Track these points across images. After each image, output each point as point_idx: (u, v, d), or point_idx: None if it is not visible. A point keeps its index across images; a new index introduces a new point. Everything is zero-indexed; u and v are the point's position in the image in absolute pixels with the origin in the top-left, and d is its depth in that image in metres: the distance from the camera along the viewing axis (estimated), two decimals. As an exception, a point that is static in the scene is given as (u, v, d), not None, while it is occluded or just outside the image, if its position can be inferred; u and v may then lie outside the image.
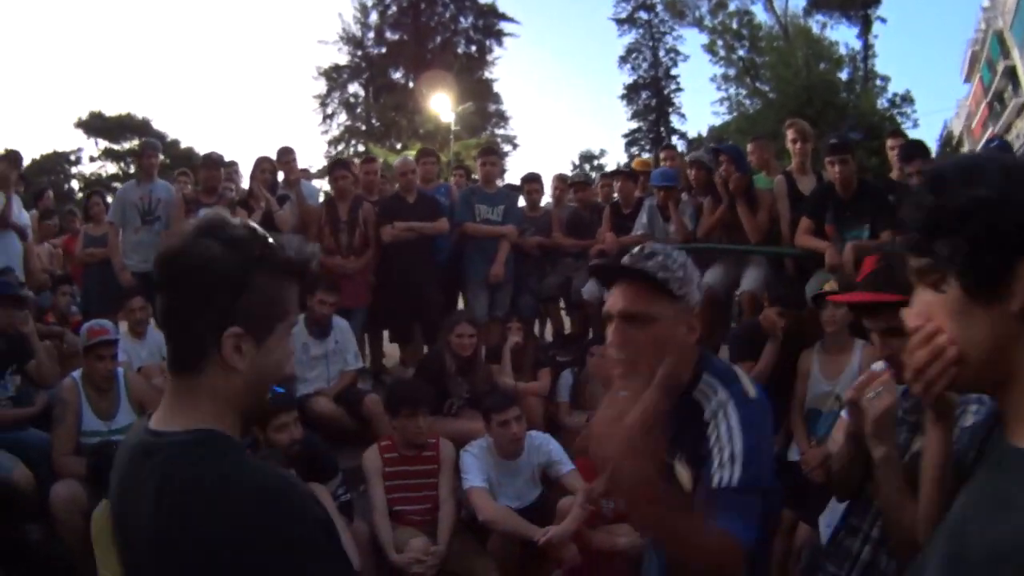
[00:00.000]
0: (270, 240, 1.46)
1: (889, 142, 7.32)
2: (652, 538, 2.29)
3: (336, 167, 7.49)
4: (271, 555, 1.28)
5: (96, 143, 41.41)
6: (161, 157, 8.01)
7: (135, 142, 39.13)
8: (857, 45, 40.37)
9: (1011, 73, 34.68)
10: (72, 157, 41.62)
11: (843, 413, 3.78)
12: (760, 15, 42.75)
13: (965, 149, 37.66)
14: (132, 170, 37.86)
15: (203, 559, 1.28)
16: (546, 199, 8.44)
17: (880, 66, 41.36)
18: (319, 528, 1.35)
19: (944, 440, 1.69)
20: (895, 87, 39.41)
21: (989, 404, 1.69)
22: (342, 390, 6.03)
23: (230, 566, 1.27)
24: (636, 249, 2.17)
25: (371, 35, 45.00)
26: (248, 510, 1.29)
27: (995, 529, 1.05)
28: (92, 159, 41.71)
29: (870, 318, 2.27)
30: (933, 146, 34.73)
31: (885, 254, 2.36)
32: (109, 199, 8.56)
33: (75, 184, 39.81)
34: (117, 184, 34.22)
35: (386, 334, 7.87)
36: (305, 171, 9.79)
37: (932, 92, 60.29)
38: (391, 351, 8.06)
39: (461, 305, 7.82)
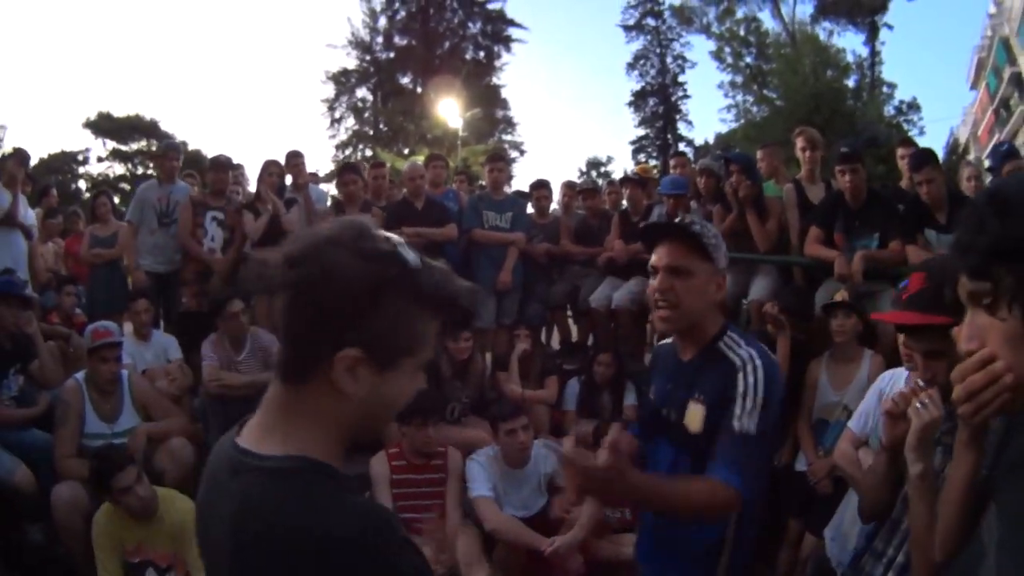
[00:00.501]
0: (414, 261, 1.27)
1: (900, 151, 7.30)
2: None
3: (346, 171, 7.47)
4: None
5: (104, 144, 41.58)
6: (181, 159, 8.04)
7: (143, 143, 39.47)
8: (864, 52, 40.58)
9: (1017, 79, 34.85)
10: (80, 157, 41.78)
11: (849, 424, 3.77)
12: (767, 22, 43.07)
13: (971, 156, 37.78)
14: (140, 171, 38.21)
15: None
16: (554, 206, 8.44)
17: (887, 73, 41.60)
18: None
19: (975, 463, 1.66)
20: (901, 94, 39.57)
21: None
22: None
23: None
24: (679, 218, 2.75)
25: (380, 40, 45.31)
26: (329, 562, 1.14)
27: None
28: (100, 159, 41.90)
29: (914, 339, 2.27)
30: (940, 153, 34.72)
31: (932, 272, 2.32)
32: (116, 200, 8.56)
33: (82, 184, 39.81)
34: (124, 185, 34.37)
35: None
36: (313, 175, 9.79)
37: (938, 99, 60.63)
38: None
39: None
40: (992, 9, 37.32)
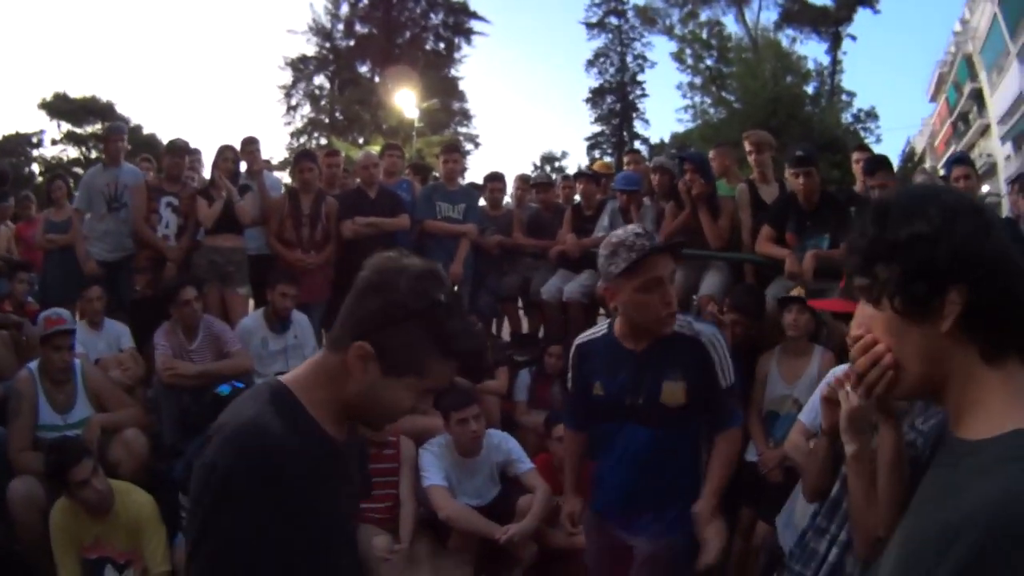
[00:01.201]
0: (442, 307, 1.63)
1: (855, 155, 7.39)
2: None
3: (302, 158, 7.37)
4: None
5: (59, 126, 40.61)
6: (126, 140, 7.82)
7: (98, 126, 38.21)
8: (826, 60, 41.00)
9: (977, 95, 36.13)
10: (34, 139, 40.80)
11: (800, 416, 3.85)
12: (731, 26, 43.28)
13: (927, 164, 38.66)
14: (94, 155, 37.37)
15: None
16: (508, 200, 8.46)
17: (847, 82, 42.25)
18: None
19: (893, 438, 1.87)
20: (860, 103, 40.17)
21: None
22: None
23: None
24: (641, 230, 2.99)
25: (340, 27, 45.00)
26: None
27: (945, 512, 1.18)
28: (54, 142, 40.91)
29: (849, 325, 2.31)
30: (895, 161, 35.50)
31: None
32: (72, 184, 8.36)
33: (35, 168, 39.02)
34: (78, 169, 33.67)
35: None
36: (267, 162, 9.69)
37: (897, 110, 61.63)
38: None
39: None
40: (958, 27, 38.39)
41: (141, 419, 5.42)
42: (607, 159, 29.83)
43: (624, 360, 3.09)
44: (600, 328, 3.31)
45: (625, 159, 8.37)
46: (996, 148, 34.67)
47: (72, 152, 40.49)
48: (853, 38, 41.84)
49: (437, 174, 8.46)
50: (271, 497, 1.50)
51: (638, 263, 2.87)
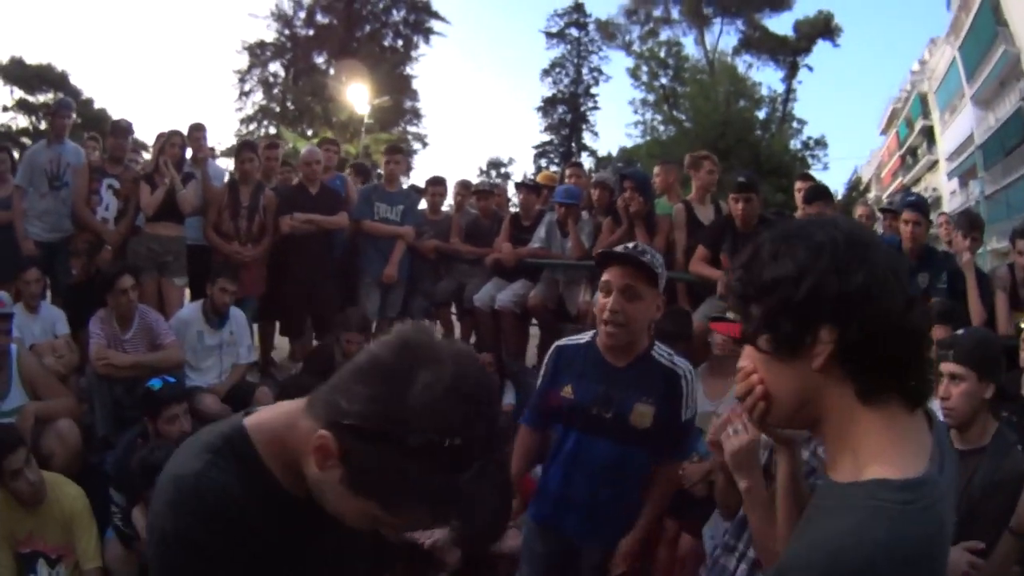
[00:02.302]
0: (459, 454, 1.23)
1: (798, 184, 7.62)
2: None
3: (244, 149, 7.25)
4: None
5: (12, 92, 39.52)
6: (73, 117, 7.67)
7: (51, 96, 37.10)
8: (780, 88, 41.54)
9: (928, 132, 37.87)
10: (-15, 105, 39.76)
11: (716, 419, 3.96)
12: (690, 47, 43.62)
13: (872, 195, 39.63)
14: (43, 126, 36.22)
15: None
16: (450, 205, 8.50)
17: (799, 110, 43.02)
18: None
19: (787, 464, 1.87)
20: (811, 131, 40.76)
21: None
22: (232, 385, 5.95)
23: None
24: (632, 245, 3.11)
25: (302, 15, 44.43)
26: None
27: (792, 547, 1.25)
28: (5, 109, 39.78)
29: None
30: (841, 188, 36.45)
31: None
32: (17, 156, 8.11)
33: (-16, 138, 37.95)
34: (26, 140, 32.84)
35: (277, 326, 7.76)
36: (212, 150, 9.59)
37: (847, 140, 62.74)
38: (280, 343, 7.94)
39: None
40: (916, 67, 39.73)
41: (75, 409, 5.30)
42: (553, 169, 29.99)
43: (603, 372, 3.17)
44: (584, 336, 3.36)
45: (566, 172, 8.42)
46: (942, 183, 36.46)
47: (22, 121, 39.46)
48: (810, 68, 42.46)
49: (381, 172, 8.44)
50: (215, 555, 1.37)
51: (600, 266, 3.08)
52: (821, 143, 39.63)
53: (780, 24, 43.73)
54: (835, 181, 48.62)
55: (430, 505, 1.26)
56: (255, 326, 7.05)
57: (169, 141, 7.15)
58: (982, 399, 3.08)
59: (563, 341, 3.44)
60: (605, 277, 3.03)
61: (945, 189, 36.32)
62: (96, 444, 5.21)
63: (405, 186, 8.32)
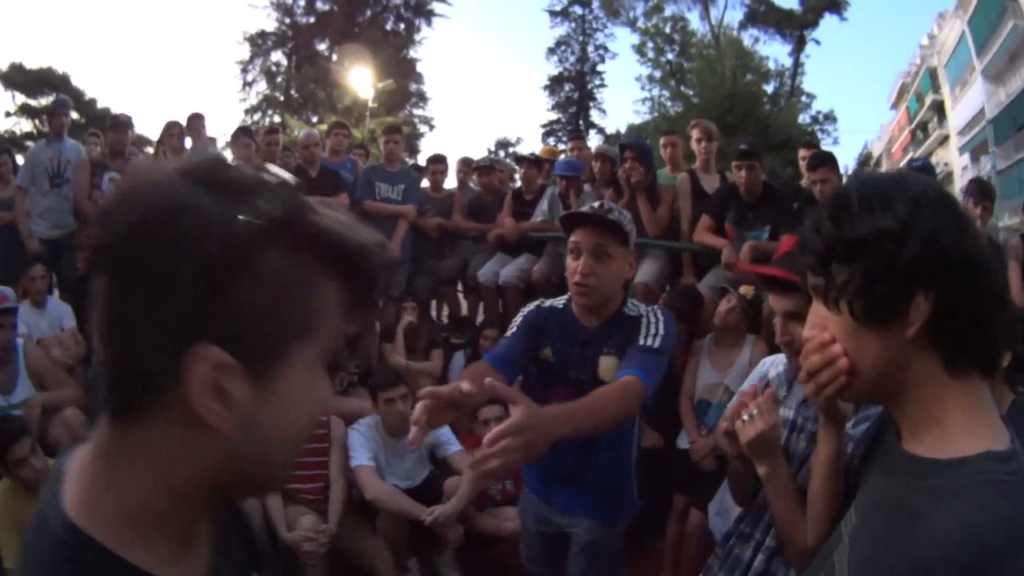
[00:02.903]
0: (295, 195, 0.85)
1: (801, 152, 7.51)
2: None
3: (240, 135, 7.38)
4: None
5: (13, 97, 39.75)
6: (75, 116, 7.75)
7: (53, 99, 37.41)
8: (788, 62, 41.25)
9: (939, 107, 37.62)
10: (-12, 111, 39.94)
11: (729, 406, 3.90)
12: (695, 22, 43.32)
13: (883, 169, 39.36)
14: (47, 129, 36.14)
15: None
16: (452, 182, 8.47)
17: (808, 85, 42.57)
18: None
19: (833, 444, 1.74)
20: (820, 106, 40.48)
21: (873, 415, 1.76)
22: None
23: None
24: (598, 204, 3.03)
25: (301, 3, 44.28)
26: None
27: (910, 538, 1.10)
28: (8, 114, 39.95)
29: (778, 297, 2.24)
30: (851, 163, 36.29)
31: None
32: (20, 159, 8.24)
33: (-11, 141, 38.11)
34: (30, 143, 33.03)
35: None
36: (212, 139, 9.63)
37: (857, 115, 62.33)
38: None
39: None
40: (925, 40, 39.40)
41: (81, 399, 5.36)
42: (561, 146, 29.89)
43: (576, 333, 3.02)
44: (560, 300, 3.19)
45: (568, 145, 8.38)
46: (954, 158, 36.07)
47: (26, 126, 39.64)
48: (817, 42, 42.12)
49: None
50: None
51: (568, 229, 2.96)
52: (830, 117, 39.52)
53: (786, -2, 43.23)
54: (845, 156, 48.63)
55: (322, 263, 0.83)
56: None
57: (168, 132, 7.21)
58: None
59: (543, 301, 3.26)
60: (573, 239, 2.93)
61: (957, 164, 36.02)
62: (238, 513, 5.18)
63: (404, 166, 8.26)
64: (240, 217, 0.76)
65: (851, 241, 1.21)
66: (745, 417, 2.11)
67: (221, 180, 0.79)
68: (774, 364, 2.63)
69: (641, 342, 2.82)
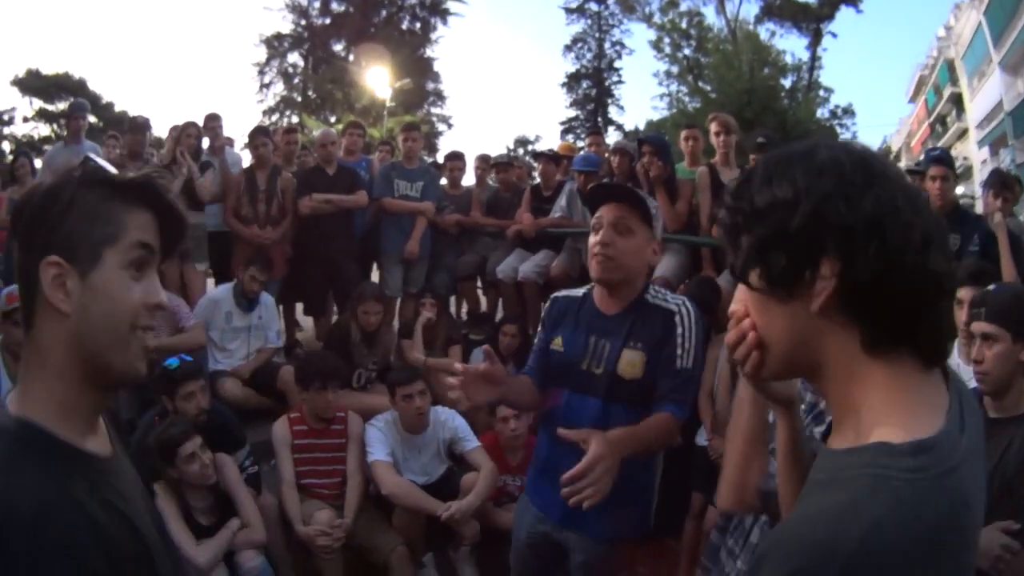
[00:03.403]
0: (95, 162, 1.31)
1: (817, 145, 7.43)
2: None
3: (256, 134, 7.38)
4: None
5: (31, 102, 40.17)
6: (92, 119, 7.84)
7: (69, 103, 37.81)
8: (805, 56, 41.04)
9: (957, 100, 36.91)
10: (5, 117, 40.29)
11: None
12: (711, 17, 43.18)
13: (903, 164, 39.20)
14: (65, 133, 36.46)
15: None
16: (470, 179, 8.48)
17: (825, 79, 42.27)
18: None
19: (786, 429, 1.65)
20: (838, 100, 40.23)
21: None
22: (257, 367, 5.96)
23: None
24: (627, 187, 2.96)
25: (317, 5, 44.49)
26: None
27: (779, 528, 1.09)
28: (26, 119, 40.45)
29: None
30: (871, 159, 35.89)
31: None
32: (38, 163, 8.36)
33: (6, 146, 38.42)
34: (48, 147, 33.35)
35: (299, 307, 7.87)
36: (229, 139, 9.68)
37: (875, 109, 61.76)
38: (307, 324, 8.04)
39: (376, 279, 7.72)
40: (942, 32, 38.89)
41: None
42: (579, 143, 29.89)
43: (592, 321, 2.88)
44: (580, 289, 3.10)
45: (586, 141, 8.39)
46: (973, 152, 35.35)
47: (44, 130, 40.06)
48: (834, 35, 41.84)
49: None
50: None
51: (592, 203, 2.95)
52: (849, 111, 39.30)
53: (802, -10, 43.00)
54: (864, 150, 47.98)
55: (116, 194, 1.28)
56: (280, 308, 7.12)
57: (185, 132, 7.27)
58: (1018, 361, 2.73)
59: (560, 293, 3.20)
60: (597, 214, 2.84)
61: (976, 158, 35.27)
62: (121, 427, 5.21)
63: (423, 163, 8.27)
64: (61, 181, 1.25)
65: (750, 212, 1.17)
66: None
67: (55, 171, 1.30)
68: None
69: (678, 363, 2.74)
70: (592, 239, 2.81)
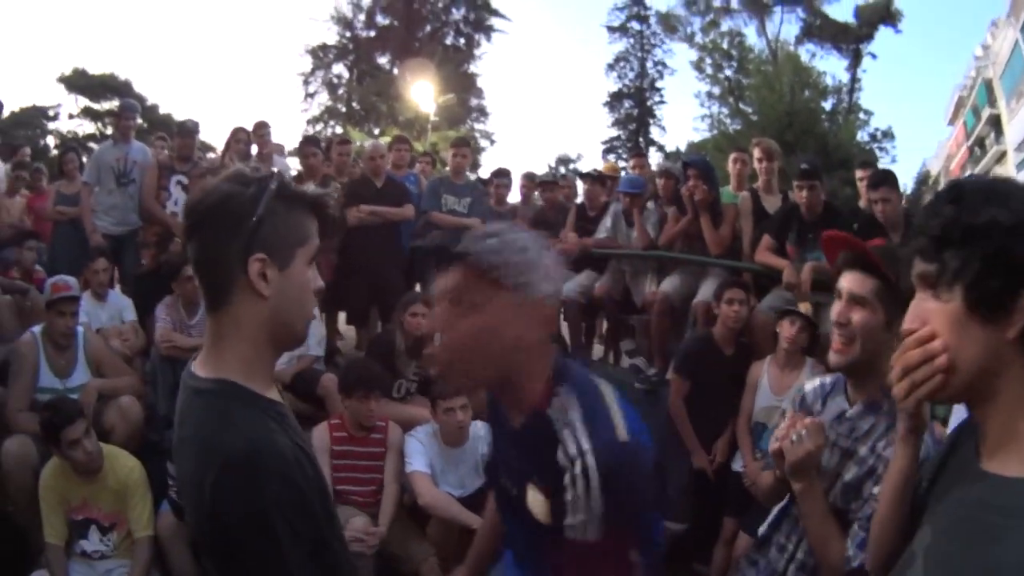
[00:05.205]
0: (283, 177, 1.58)
1: (858, 173, 7.41)
2: None
3: (306, 144, 7.49)
4: (236, 519, 1.38)
5: (76, 100, 40.64)
6: (139, 120, 7.98)
7: (115, 103, 38.11)
8: (845, 77, 40.70)
9: (995, 121, 35.72)
10: (51, 113, 40.83)
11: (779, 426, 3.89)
12: (752, 38, 43.07)
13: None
14: (109, 131, 36.92)
15: (199, 511, 1.44)
16: (516, 197, 8.53)
17: (865, 101, 41.61)
18: (290, 498, 1.41)
19: (909, 457, 1.70)
20: (877, 122, 39.79)
21: (929, 439, 1.76)
22: (297, 372, 5.95)
23: (208, 525, 1.42)
24: (480, 232, 1.88)
25: (362, 17, 44.97)
26: (216, 470, 1.39)
27: (987, 560, 1.06)
28: (71, 116, 40.88)
29: (855, 277, 2.21)
30: (910, 183, 35.34)
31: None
32: (84, 158, 8.51)
33: (51, 141, 39.03)
34: (93, 144, 33.79)
35: (342, 316, 7.91)
36: (279, 146, 9.82)
37: (914, 131, 60.96)
38: (347, 333, 8.10)
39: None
40: (979, 51, 38.02)
41: (137, 387, 5.54)
42: (621, 163, 29.84)
43: (506, 436, 2.01)
44: None
45: (630, 163, 8.41)
46: (1011, 175, 34.40)
47: (88, 127, 40.52)
48: (874, 56, 41.51)
49: (447, 168, 8.54)
50: (314, 510, 1.49)
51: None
52: (888, 135, 38.80)
53: (841, 11, 42.73)
54: (904, 175, 47.40)
55: (304, 207, 1.60)
56: (322, 315, 7.20)
57: (235, 137, 7.39)
58: None
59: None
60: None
61: (1017, 182, 34.66)
62: (158, 423, 5.39)
63: (470, 179, 8.33)
64: (264, 193, 1.51)
65: (969, 227, 1.18)
66: (793, 436, 2.14)
67: (239, 178, 1.54)
68: (810, 379, 2.66)
69: (574, 535, 1.71)
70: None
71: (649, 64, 48.05)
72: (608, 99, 48.62)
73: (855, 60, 41.14)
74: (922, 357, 1.25)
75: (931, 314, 1.25)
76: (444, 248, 2.17)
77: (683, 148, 41.95)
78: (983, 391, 1.21)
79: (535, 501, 1.84)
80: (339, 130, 38.49)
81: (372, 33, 45.08)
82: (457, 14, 45.86)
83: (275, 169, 1.63)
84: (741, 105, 40.24)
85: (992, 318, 1.16)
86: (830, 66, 44.62)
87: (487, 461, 2.43)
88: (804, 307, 5.05)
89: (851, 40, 41.03)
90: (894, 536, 1.65)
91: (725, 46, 42.95)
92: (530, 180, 8.62)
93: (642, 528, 1.82)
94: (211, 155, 9.12)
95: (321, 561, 1.49)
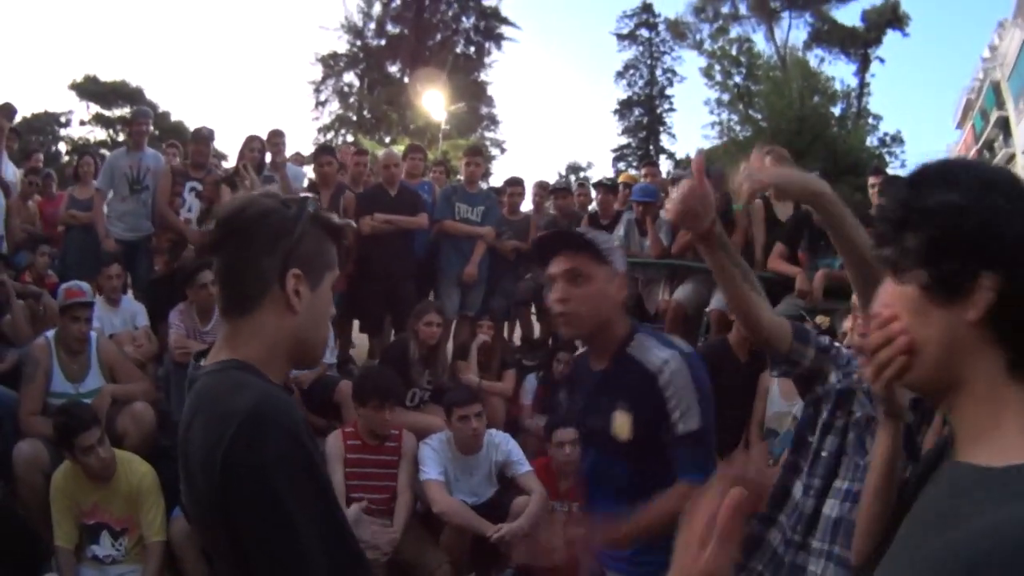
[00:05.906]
0: (317, 203, 1.68)
1: (870, 180, 7.41)
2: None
3: (321, 153, 7.50)
4: (244, 471, 1.39)
5: (88, 107, 40.84)
6: (151, 125, 8.01)
7: (126, 110, 38.32)
8: (853, 82, 40.68)
9: (1004, 124, 35.31)
10: (62, 119, 41.05)
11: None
12: (760, 44, 43.04)
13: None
14: (120, 137, 37.47)
15: (203, 475, 1.45)
16: (528, 205, 8.51)
17: (874, 105, 41.63)
18: (297, 454, 1.45)
19: (889, 443, 1.70)
20: (886, 127, 39.73)
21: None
22: (311, 380, 5.92)
23: (217, 484, 1.42)
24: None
25: (372, 26, 45.02)
26: (227, 427, 1.41)
27: (945, 542, 1.03)
28: (82, 123, 41.11)
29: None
30: (920, 187, 35.07)
31: None
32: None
33: (62, 147, 39.25)
34: (104, 151, 33.95)
35: (356, 324, 7.89)
36: (297, 155, 9.86)
37: (923, 135, 60.48)
38: (360, 341, 8.09)
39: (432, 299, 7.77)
40: (986, 53, 37.74)
41: (150, 393, 5.55)
42: (633, 172, 29.84)
43: (587, 380, 2.70)
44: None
45: (642, 171, 8.42)
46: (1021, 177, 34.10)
47: (99, 134, 40.67)
48: (882, 60, 41.50)
49: (460, 176, 8.56)
50: (319, 471, 1.53)
51: (540, 261, 2.70)
52: (898, 139, 38.77)
53: (848, 15, 42.65)
54: (914, 179, 47.21)
55: (330, 235, 1.69)
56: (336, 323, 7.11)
57: (248, 146, 7.40)
58: None
59: (580, 352, 3.10)
60: (548, 271, 2.59)
61: (1026, 184, 34.25)
62: (171, 428, 5.36)
63: (483, 188, 8.34)
64: (303, 214, 1.61)
65: (923, 209, 1.19)
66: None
67: (278, 197, 1.63)
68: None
69: (679, 428, 2.41)
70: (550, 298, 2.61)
71: (658, 71, 47.99)
72: (618, 107, 48.60)
73: (863, 65, 41.14)
74: (883, 339, 1.26)
75: (894, 297, 1.25)
76: (570, 234, 2.79)
77: (693, 156, 41.79)
78: (947, 380, 1.19)
79: (621, 424, 2.49)
80: (350, 139, 38.61)
81: (382, 42, 45.15)
82: (467, 23, 45.91)
83: (307, 196, 1.72)
84: (751, 112, 40.21)
85: (949, 300, 1.15)
86: (839, 71, 44.69)
87: (572, 408, 2.97)
88: (820, 319, 5.04)
89: (859, 44, 41.01)
90: (872, 530, 1.65)
91: (734, 52, 42.87)
92: (543, 188, 8.65)
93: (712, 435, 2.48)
94: (224, 164, 9.13)
95: (332, 518, 1.53)
